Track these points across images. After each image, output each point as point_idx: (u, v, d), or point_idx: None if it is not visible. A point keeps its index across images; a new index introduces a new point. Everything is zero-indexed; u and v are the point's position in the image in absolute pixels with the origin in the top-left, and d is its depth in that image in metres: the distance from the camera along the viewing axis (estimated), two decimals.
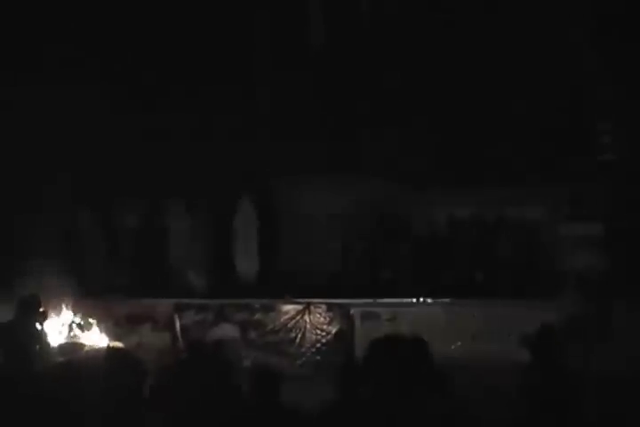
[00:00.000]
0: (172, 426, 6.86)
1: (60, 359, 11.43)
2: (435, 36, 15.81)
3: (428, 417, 4.30)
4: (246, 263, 16.69)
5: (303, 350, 15.35)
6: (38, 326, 10.46)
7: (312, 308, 15.42)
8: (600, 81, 15.42)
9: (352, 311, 15.26)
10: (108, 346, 13.33)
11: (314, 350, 15.33)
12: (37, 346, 10.34)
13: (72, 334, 14.21)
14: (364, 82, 16.20)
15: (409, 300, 14.90)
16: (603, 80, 15.38)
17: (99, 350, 12.98)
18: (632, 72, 14.96)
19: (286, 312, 15.54)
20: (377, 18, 16.24)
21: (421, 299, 14.85)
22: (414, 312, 14.32)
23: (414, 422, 4.30)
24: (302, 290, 15.67)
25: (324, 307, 15.41)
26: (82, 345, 13.69)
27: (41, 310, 10.90)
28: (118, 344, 13.64)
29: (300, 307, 15.49)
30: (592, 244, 14.89)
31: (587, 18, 15.33)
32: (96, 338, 14.21)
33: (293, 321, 15.47)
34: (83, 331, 14.36)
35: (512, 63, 15.56)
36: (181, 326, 15.50)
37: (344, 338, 15.12)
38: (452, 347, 13.07)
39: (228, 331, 15.21)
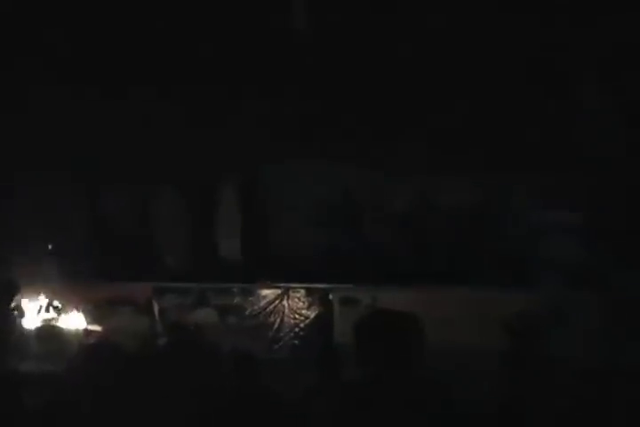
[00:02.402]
0: (150, 410, 6.84)
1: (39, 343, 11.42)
2: (417, 21, 15.77)
3: (408, 401, 4.29)
4: (226, 248, 16.68)
5: (282, 334, 15.36)
6: (15, 311, 10.42)
7: (291, 292, 15.43)
8: (582, 72, 15.45)
9: (331, 296, 15.26)
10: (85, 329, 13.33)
11: (292, 334, 15.34)
12: (13, 331, 10.29)
13: (50, 317, 14.19)
14: (346, 67, 16.14)
15: (388, 285, 14.88)
16: (585, 71, 15.42)
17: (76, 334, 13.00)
18: (613, 64, 15.01)
19: (265, 297, 15.55)
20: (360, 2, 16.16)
21: (401, 284, 14.84)
22: (393, 298, 14.29)
23: (395, 405, 4.29)
24: (281, 275, 15.66)
25: (302, 292, 15.42)
26: (59, 328, 13.69)
27: (18, 295, 10.86)
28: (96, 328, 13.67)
29: (279, 291, 15.49)
30: (572, 232, 14.94)
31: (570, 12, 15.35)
32: (75, 321, 14.20)
33: (272, 306, 15.47)
34: (61, 314, 14.34)
35: (493, 51, 15.55)
36: (160, 309, 15.47)
37: (323, 323, 15.13)
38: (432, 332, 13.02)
39: (207, 315, 15.19)
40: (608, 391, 7.34)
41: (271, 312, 15.45)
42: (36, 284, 14.29)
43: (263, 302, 15.52)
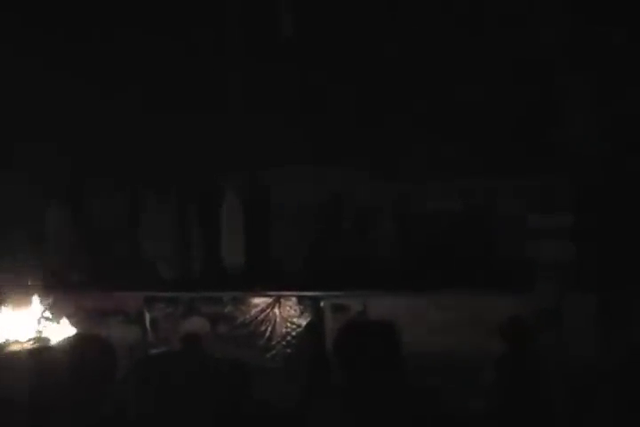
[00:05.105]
0: (141, 420, 6.80)
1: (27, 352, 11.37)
2: (406, 25, 15.80)
3: (400, 407, 4.27)
4: (217, 256, 16.62)
5: (273, 342, 15.33)
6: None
7: (282, 300, 15.40)
8: (568, 75, 15.47)
9: (322, 304, 15.23)
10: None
11: (284, 342, 15.30)
12: None
13: (41, 327, 14.13)
14: (338, 73, 16.14)
15: (380, 292, 14.83)
16: (571, 74, 15.44)
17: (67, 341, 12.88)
18: (599, 66, 15.03)
19: (256, 305, 15.51)
20: (346, 8, 16.19)
21: (392, 291, 14.80)
22: (385, 304, 14.27)
23: (387, 412, 4.27)
24: (272, 282, 15.62)
25: (294, 300, 15.39)
26: (49, 339, 13.63)
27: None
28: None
29: (270, 300, 15.46)
30: (564, 236, 14.92)
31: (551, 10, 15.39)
32: (65, 331, 14.14)
33: (263, 314, 15.44)
34: (52, 324, 14.29)
35: (482, 53, 15.58)
36: (151, 319, 15.42)
37: (314, 331, 15.09)
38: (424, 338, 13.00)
39: (197, 324, 15.11)
40: (604, 393, 7.34)
41: (262, 321, 15.42)
42: (27, 293, 14.24)
43: (254, 311, 15.48)
